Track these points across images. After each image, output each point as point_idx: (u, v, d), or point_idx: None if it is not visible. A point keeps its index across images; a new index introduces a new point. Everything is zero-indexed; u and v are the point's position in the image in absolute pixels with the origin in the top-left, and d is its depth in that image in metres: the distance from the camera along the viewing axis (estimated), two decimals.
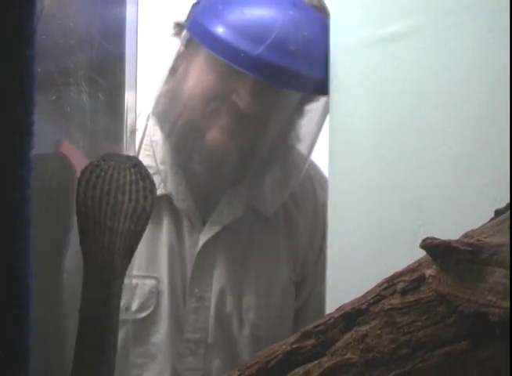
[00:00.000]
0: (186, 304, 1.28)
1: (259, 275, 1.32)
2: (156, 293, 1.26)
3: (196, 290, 1.29)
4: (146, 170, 0.66)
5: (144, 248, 1.25)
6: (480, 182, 0.98)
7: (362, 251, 1.13)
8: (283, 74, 1.19)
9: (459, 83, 1.03)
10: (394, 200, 1.09)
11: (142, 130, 1.31)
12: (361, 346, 0.61)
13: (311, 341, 0.65)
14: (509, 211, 0.60)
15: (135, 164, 0.65)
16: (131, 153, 0.88)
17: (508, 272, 0.55)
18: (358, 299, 0.64)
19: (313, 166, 1.40)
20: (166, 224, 1.29)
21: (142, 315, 1.25)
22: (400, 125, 1.11)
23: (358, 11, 1.18)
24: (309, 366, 0.64)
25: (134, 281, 1.23)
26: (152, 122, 1.30)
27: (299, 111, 1.29)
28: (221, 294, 1.30)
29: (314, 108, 1.30)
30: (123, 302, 1.19)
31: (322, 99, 1.27)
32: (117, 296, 0.64)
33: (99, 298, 0.62)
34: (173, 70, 1.27)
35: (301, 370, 0.64)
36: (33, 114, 0.49)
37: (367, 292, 0.64)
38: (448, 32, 1.05)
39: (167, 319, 1.27)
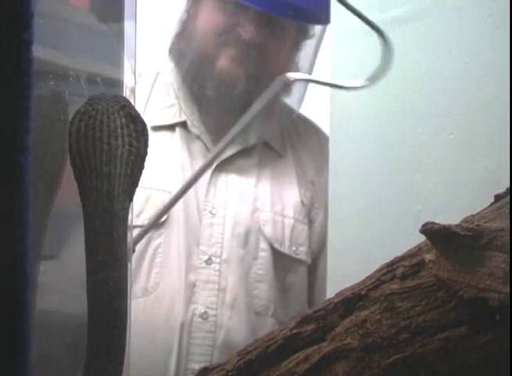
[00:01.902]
0: (202, 219, 1.38)
1: (272, 196, 1.44)
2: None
3: (210, 206, 1.40)
4: (136, 110, 0.64)
5: (157, 165, 1.37)
6: (480, 167, 0.98)
7: (363, 236, 1.13)
8: (282, 6, 1.35)
9: (460, 67, 1.03)
10: (394, 185, 1.09)
11: (154, 76, 1.47)
12: (360, 331, 0.61)
13: (311, 326, 0.65)
14: (508, 196, 0.60)
15: (124, 105, 0.63)
16: None
17: (507, 257, 0.54)
18: (358, 284, 0.64)
19: (311, 121, 1.57)
20: (179, 147, 1.42)
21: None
22: (401, 110, 1.10)
23: None
24: (309, 351, 0.64)
25: (146, 192, 1.35)
26: (167, 61, 1.45)
27: (297, 45, 1.45)
28: (237, 210, 1.41)
29: (308, 43, 1.47)
30: (135, 210, 1.29)
31: (315, 37, 1.46)
32: (122, 242, 0.62)
33: (103, 247, 0.61)
34: (185, 13, 1.43)
35: (300, 355, 0.64)
36: (31, 98, 0.49)
37: (367, 277, 0.64)
38: (450, 17, 1.05)
39: (183, 232, 1.36)
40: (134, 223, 1.29)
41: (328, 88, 1.25)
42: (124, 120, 0.63)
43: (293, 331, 0.66)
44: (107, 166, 0.61)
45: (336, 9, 1.22)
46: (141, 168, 0.64)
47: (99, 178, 0.61)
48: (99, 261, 0.60)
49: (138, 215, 1.33)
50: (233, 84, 1.39)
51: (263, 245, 1.41)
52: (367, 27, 1.15)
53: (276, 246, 1.41)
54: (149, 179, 1.36)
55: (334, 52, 1.22)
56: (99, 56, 0.82)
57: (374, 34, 1.14)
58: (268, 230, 1.42)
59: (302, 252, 1.44)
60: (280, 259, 1.42)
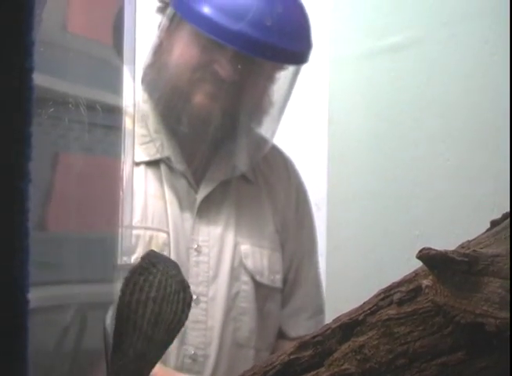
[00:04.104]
0: (189, 257, 1.40)
1: (250, 228, 1.47)
2: (168, 245, 1.38)
3: (196, 245, 1.41)
4: (186, 281, 0.64)
5: (153, 203, 1.39)
6: (476, 193, 0.98)
7: (360, 262, 1.14)
8: (260, 47, 1.34)
9: (456, 94, 1.04)
10: (391, 210, 1.10)
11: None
12: (358, 357, 0.61)
13: (308, 352, 0.65)
14: (505, 222, 0.60)
15: (178, 272, 0.63)
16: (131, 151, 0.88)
17: (504, 282, 0.55)
18: (356, 310, 0.65)
19: (278, 148, 1.58)
20: (166, 184, 1.41)
21: None
22: (398, 136, 1.11)
23: (358, 22, 1.19)
24: None
25: (148, 233, 1.37)
26: (141, 91, 1.43)
27: (271, 78, 1.44)
28: (220, 247, 1.42)
29: (283, 75, 1.45)
30: (139, 252, 1.31)
31: (291, 68, 1.45)
32: None
33: None
34: (159, 42, 1.41)
35: None
36: (31, 126, 0.49)
37: (364, 303, 0.64)
38: (447, 44, 1.06)
39: None
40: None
41: (326, 111, 1.25)
42: (177, 286, 0.63)
43: (292, 357, 0.66)
44: (152, 329, 0.60)
45: (333, 35, 1.23)
46: (174, 337, 0.63)
47: (140, 339, 0.60)
48: None
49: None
50: (209, 120, 1.39)
51: (245, 278, 1.44)
52: (365, 52, 1.16)
53: (257, 278, 1.44)
54: (146, 218, 1.38)
55: (332, 77, 1.23)
56: (99, 83, 0.82)
57: (371, 60, 1.15)
58: (249, 263, 1.44)
59: (278, 280, 1.48)
60: (260, 290, 1.45)
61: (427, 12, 1.09)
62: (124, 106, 0.82)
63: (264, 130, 1.50)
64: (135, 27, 0.88)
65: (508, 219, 0.60)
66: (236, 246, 1.44)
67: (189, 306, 0.63)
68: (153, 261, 0.63)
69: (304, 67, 1.48)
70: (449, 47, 1.06)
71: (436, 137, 1.06)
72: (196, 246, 1.41)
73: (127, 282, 0.61)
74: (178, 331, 0.62)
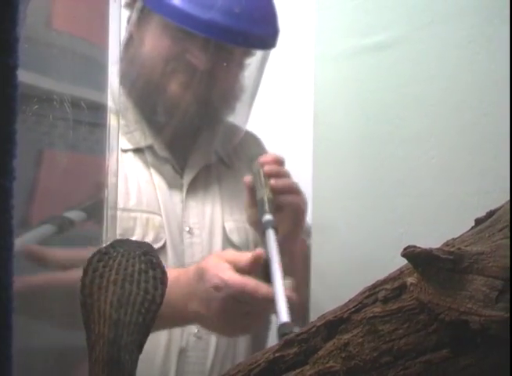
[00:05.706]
0: (183, 239, 1.44)
1: (232, 206, 1.52)
2: (164, 228, 1.41)
3: (187, 227, 1.45)
4: (158, 258, 0.62)
5: (145, 188, 1.42)
6: (461, 191, 0.99)
7: (345, 259, 1.14)
8: (232, 33, 1.38)
9: (441, 93, 1.04)
10: (377, 208, 1.10)
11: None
12: (343, 354, 0.61)
13: (293, 350, 0.65)
14: (489, 220, 0.60)
15: (146, 251, 0.61)
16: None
17: (488, 280, 0.55)
18: (341, 307, 0.65)
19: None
20: (153, 170, 1.45)
21: (158, 245, 1.39)
22: (383, 134, 1.11)
23: (343, 21, 1.19)
24: (292, 374, 0.64)
25: (145, 215, 1.39)
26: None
27: (241, 65, 1.48)
28: (210, 227, 1.48)
29: (252, 62, 1.50)
30: (138, 233, 1.36)
31: (258, 55, 1.50)
32: None
33: None
34: (129, 37, 1.44)
35: None
36: (15, 123, 0.49)
37: (349, 300, 0.64)
38: (431, 42, 1.06)
39: (171, 254, 1.41)
40: None
41: (312, 111, 1.26)
42: (143, 265, 0.60)
43: (276, 355, 0.66)
44: (117, 312, 0.58)
45: (319, 32, 1.23)
46: (154, 317, 0.60)
47: (106, 325, 0.57)
48: None
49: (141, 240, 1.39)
50: (185, 109, 1.43)
51: None
52: (350, 51, 1.16)
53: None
54: (141, 202, 1.41)
55: (317, 76, 1.23)
56: (83, 80, 0.82)
57: (357, 58, 1.15)
58: (235, 238, 1.49)
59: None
60: None
61: (411, 11, 1.09)
62: (109, 103, 0.82)
63: (237, 116, 1.55)
64: (119, 25, 0.88)
65: (492, 218, 0.60)
66: (222, 224, 1.49)
67: (162, 283, 0.61)
68: (114, 245, 0.61)
69: (290, 66, 1.48)
70: (433, 46, 1.06)
71: (420, 136, 1.06)
72: (188, 228, 1.45)
73: (85, 271, 0.59)
74: (155, 311, 0.60)
